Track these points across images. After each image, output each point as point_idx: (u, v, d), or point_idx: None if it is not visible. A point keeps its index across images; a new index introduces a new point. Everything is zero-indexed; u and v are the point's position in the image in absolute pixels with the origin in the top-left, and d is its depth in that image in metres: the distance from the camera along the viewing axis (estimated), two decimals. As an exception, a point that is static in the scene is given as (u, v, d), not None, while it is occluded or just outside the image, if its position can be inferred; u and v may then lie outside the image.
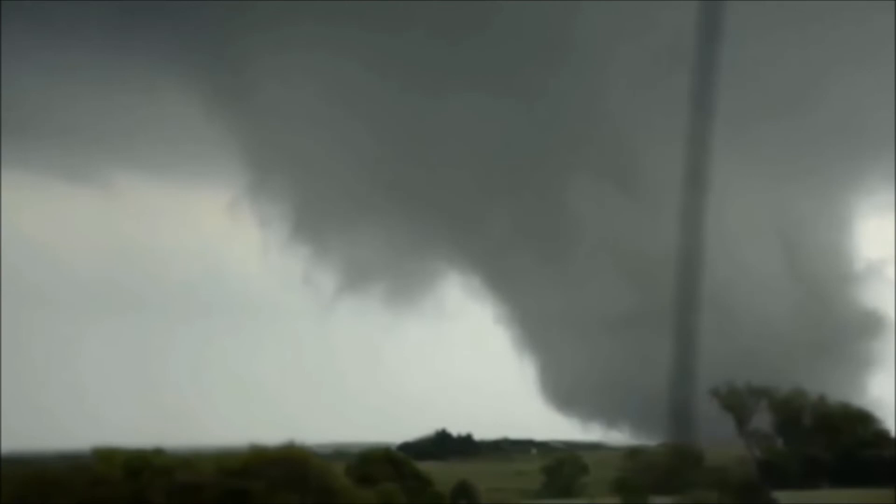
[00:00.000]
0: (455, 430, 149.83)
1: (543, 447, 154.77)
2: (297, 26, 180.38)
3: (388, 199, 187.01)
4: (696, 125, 9.03)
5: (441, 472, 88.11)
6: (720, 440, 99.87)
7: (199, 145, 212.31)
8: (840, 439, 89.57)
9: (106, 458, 69.10)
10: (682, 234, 9.08)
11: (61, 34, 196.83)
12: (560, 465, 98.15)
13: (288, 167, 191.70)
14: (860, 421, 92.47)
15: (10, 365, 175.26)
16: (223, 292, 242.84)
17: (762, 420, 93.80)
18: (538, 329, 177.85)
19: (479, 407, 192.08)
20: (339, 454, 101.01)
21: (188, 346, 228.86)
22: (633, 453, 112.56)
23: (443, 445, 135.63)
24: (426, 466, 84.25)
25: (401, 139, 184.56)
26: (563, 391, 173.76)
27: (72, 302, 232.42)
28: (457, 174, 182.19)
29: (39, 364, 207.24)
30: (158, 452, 70.60)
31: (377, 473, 74.56)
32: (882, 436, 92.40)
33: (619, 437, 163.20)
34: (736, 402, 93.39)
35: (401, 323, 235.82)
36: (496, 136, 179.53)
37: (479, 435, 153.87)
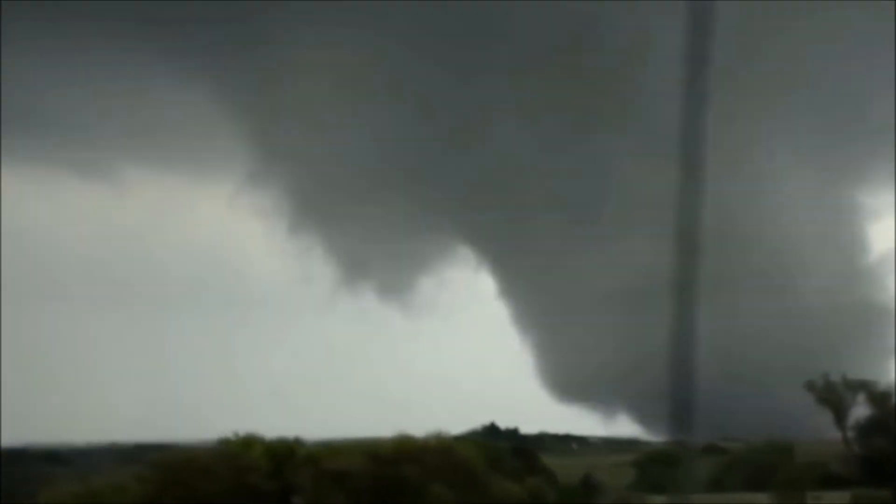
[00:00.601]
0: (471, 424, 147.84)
1: (582, 442, 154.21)
2: (299, 24, 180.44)
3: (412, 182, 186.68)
4: (689, 116, 8.88)
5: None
6: (810, 435, 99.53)
7: (205, 141, 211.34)
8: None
9: (246, 447, 67.70)
10: (678, 224, 8.90)
11: (65, 32, 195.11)
12: (651, 459, 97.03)
13: (294, 160, 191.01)
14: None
15: (16, 357, 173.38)
16: (231, 284, 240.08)
17: (858, 414, 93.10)
18: (565, 308, 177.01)
19: (491, 399, 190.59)
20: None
21: (194, 339, 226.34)
22: (710, 448, 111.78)
23: (492, 439, 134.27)
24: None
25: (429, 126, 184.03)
26: (584, 380, 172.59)
27: (77, 294, 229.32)
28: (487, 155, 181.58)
29: (45, 356, 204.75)
30: (299, 441, 69.29)
31: (509, 466, 73.38)
32: None
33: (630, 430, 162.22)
34: (832, 396, 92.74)
35: (413, 314, 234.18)
36: (524, 115, 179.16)
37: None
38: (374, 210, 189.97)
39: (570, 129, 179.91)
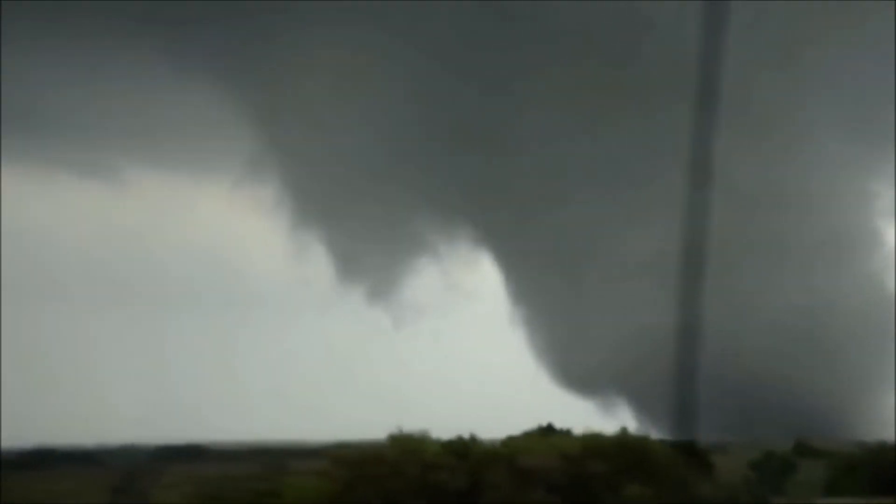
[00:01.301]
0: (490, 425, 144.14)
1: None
2: (300, 24, 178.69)
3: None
4: (700, 117, 8.83)
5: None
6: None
7: (206, 141, 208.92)
8: None
9: (422, 443, 64.60)
10: (685, 226, 8.82)
11: (65, 32, 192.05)
12: (768, 459, 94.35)
13: (295, 159, 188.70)
14: None
15: (15, 357, 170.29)
16: (231, 284, 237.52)
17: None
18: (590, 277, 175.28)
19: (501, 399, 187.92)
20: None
21: (194, 339, 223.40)
22: (800, 448, 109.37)
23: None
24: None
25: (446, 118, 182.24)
26: (587, 375, 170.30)
27: (77, 294, 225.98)
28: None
29: (44, 356, 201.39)
30: (475, 438, 66.25)
31: (693, 464, 70.56)
32: None
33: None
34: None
35: (414, 312, 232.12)
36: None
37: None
38: (375, 207, 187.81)
39: (571, 127, 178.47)
